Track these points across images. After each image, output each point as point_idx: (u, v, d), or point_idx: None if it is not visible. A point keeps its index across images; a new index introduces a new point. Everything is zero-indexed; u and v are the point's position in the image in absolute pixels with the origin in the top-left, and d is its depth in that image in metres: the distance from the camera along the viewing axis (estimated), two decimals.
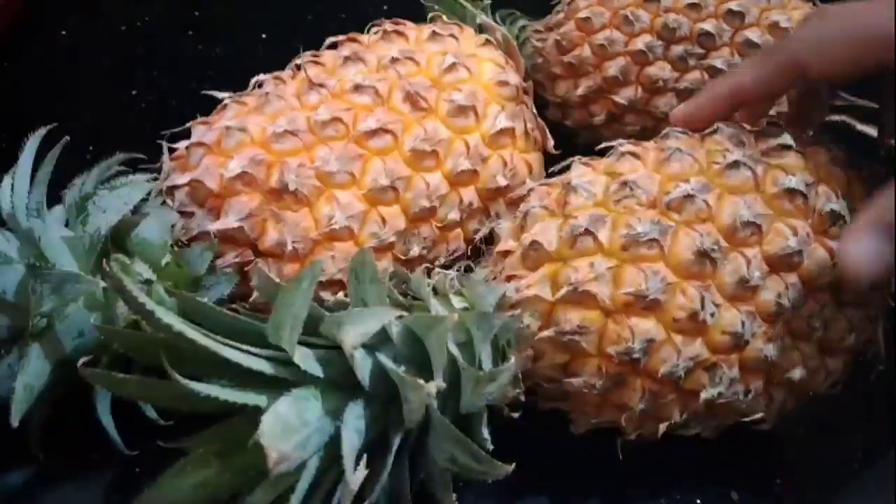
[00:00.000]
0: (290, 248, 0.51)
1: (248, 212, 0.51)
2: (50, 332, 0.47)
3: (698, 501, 0.56)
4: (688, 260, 0.47)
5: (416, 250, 0.55)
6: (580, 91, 0.70)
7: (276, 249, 0.51)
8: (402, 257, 0.55)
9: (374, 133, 0.54)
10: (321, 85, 0.56)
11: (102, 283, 0.48)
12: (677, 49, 0.66)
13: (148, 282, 0.49)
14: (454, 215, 0.57)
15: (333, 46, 0.62)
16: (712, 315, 0.46)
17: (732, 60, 0.65)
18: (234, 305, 0.50)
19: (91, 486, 0.53)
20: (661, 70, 0.67)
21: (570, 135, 0.73)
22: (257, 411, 0.38)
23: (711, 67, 0.65)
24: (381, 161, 0.54)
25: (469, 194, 0.57)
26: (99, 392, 0.48)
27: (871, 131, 0.64)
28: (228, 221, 0.51)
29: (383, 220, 0.53)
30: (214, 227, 0.51)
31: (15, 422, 0.45)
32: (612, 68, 0.68)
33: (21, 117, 0.77)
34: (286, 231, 0.51)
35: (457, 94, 0.57)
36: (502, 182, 0.58)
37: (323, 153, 0.52)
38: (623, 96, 0.68)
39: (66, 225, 0.51)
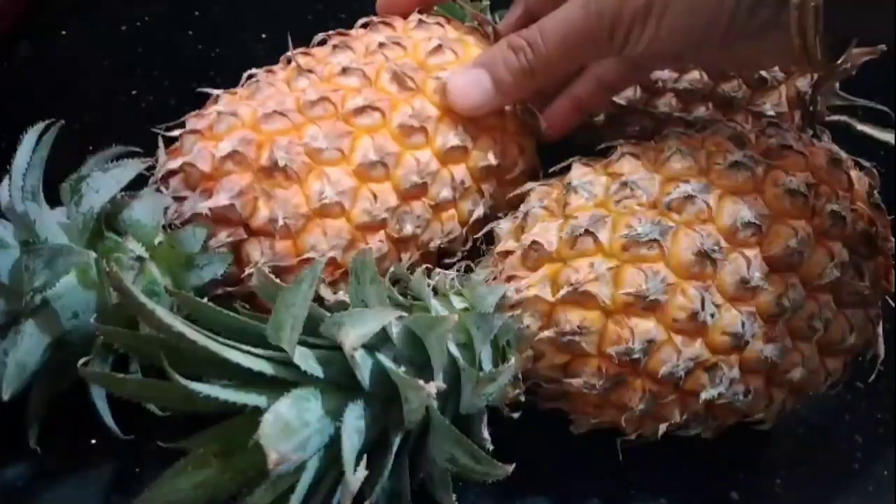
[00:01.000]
0: (280, 223, 0.51)
1: (238, 189, 0.51)
2: (44, 310, 0.46)
3: (698, 501, 0.56)
4: (688, 260, 0.47)
5: (409, 229, 0.55)
6: None
7: (267, 227, 0.51)
8: (396, 236, 0.55)
9: (361, 110, 0.54)
10: (310, 71, 0.56)
11: (94, 255, 0.48)
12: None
13: (140, 259, 0.49)
14: (446, 193, 0.56)
15: (323, 43, 0.62)
16: (712, 315, 0.46)
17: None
18: (234, 305, 0.50)
19: (91, 486, 0.53)
20: (660, 70, 0.67)
21: (568, 134, 0.73)
22: (257, 412, 0.38)
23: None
24: (370, 138, 0.54)
25: (460, 172, 0.57)
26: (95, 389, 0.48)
27: (871, 131, 0.64)
28: (220, 199, 0.51)
29: (374, 197, 0.53)
30: (206, 205, 0.51)
31: (6, 395, 0.45)
32: None
33: (21, 117, 0.77)
34: (277, 208, 0.51)
35: (444, 73, 0.57)
36: (493, 161, 0.58)
37: (312, 131, 0.53)
38: (622, 96, 0.68)
39: (69, 220, 0.51)
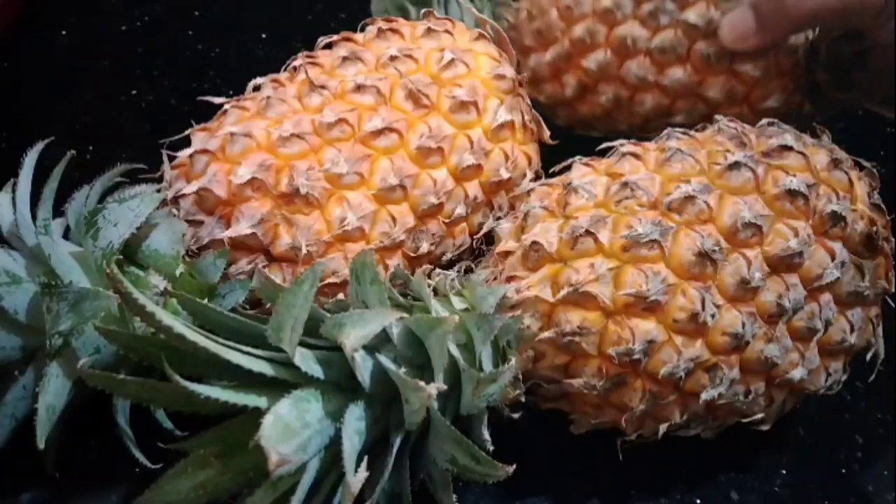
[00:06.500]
0: (304, 251, 0.51)
1: (259, 217, 0.51)
2: (67, 350, 0.46)
3: (698, 501, 0.56)
4: (689, 261, 0.47)
5: (425, 247, 0.56)
6: (548, 58, 0.66)
7: (289, 254, 0.51)
8: (412, 255, 0.55)
9: (380, 132, 0.54)
10: (322, 86, 0.56)
11: (118, 297, 0.47)
12: (647, 6, 0.62)
13: (165, 293, 0.49)
14: (461, 210, 0.57)
15: (328, 46, 0.62)
16: (713, 316, 0.46)
17: (710, 14, 0.61)
18: (235, 306, 0.50)
19: (91, 486, 0.53)
20: (630, 28, 0.63)
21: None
22: (258, 413, 0.38)
23: (685, 23, 0.62)
24: (389, 160, 0.54)
25: (473, 188, 0.58)
26: (118, 403, 0.48)
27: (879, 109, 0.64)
28: (241, 228, 0.51)
29: (393, 219, 0.54)
30: (227, 234, 0.51)
31: (41, 443, 0.44)
32: (579, 30, 0.64)
33: (21, 117, 0.77)
34: (299, 235, 0.51)
35: (458, 90, 0.57)
36: (505, 175, 0.58)
37: (331, 155, 0.53)
38: (591, 60, 0.65)
39: (66, 236, 0.51)
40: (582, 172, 0.54)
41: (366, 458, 0.41)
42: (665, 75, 0.64)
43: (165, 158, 0.55)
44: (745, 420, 0.50)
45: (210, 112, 0.58)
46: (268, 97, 0.56)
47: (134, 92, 0.80)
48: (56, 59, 0.84)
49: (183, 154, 0.55)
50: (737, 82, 0.63)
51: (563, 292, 0.48)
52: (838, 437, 0.60)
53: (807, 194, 0.49)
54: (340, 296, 0.52)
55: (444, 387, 0.43)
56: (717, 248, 0.47)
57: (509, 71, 0.61)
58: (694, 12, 0.61)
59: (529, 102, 0.63)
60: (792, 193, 0.49)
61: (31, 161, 0.50)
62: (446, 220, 0.57)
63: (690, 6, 0.62)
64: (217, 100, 0.57)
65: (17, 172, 0.50)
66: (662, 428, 0.49)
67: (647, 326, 0.47)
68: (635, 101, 0.65)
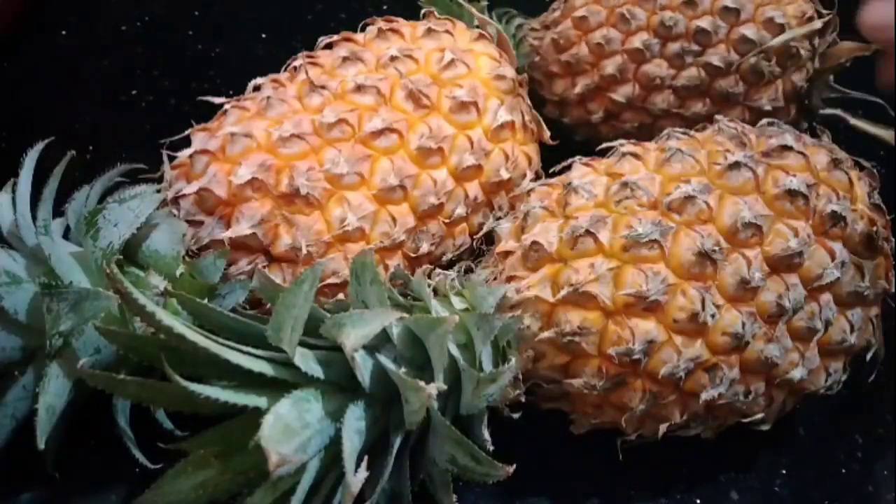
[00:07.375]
0: (304, 251, 0.51)
1: (260, 217, 0.51)
2: (67, 350, 0.46)
3: (698, 501, 0.56)
4: (689, 261, 0.47)
5: (425, 247, 0.56)
6: (578, 89, 0.70)
7: (289, 254, 0.51)
8: (413, 255, 0.55)
9: (380, 133, 0.54)
10: (322, 87, 0.56)
11: (118, 298, 0.47)
12: (674, 46, 0.66)
13: (165, 293, 0.49)
14: (461, 210, 0.57)
15: (328, 46, 0.62)
16: (713, 316, 0.46)
17: (729, 57, 0.65)
18: (235, 306, 0.50)
19: (91, 486, 0.53)
20: (657, 67, 0.67)
21: (567, 131, 0.74)
22: (258, 413, 0.38)
23: (708, 64, 0.66)
24: (389, 160, 0.54)
25: (474, 189, 0.58)
26: (118, 403, 0.48)
27: (865, 126, 0.64)
28: (241, 229, 0.51)
29: (393, 219, 0.54)
30: (227, 234, 0.51)
31: (41, 443, 0.44)
32: (610, 66, 0.68)
33: (21, 117, 0.77)
34: (299, 235, 0.51)
35: (458, 90, 0.57)
36: (505, 175, 0.58)
37: (331, 155, 0.53)
38: (621, 94, 0.69)
39: (66, 236, 0.51)
40: (582, 172, 0.54)
41: (366, 458, 0.41)
42: (686, 108, 0.68)
43: (165, 158, 0.55)
44: (745, 420, 0.50)
45: (210, 112, 0.58)
46: (268, 97, 0.56)
47: (134, 92, 0.80)
48: (56, 59, 0.84)
49: (183, 154, 0.55)
50: (749, 114, 0.67)
51: (563, 292, 0.48)
52: (838, 437, 0.60)
53: (807, 194, 0.49)
54: (340, 296, 0.52)
55: (444, 387, 0.43)
56: (717, 248, 0.47)
57: (509, 71, 0.61)
58: (716, 55, 0.66)
59: (529, 103, 0.63)
60: (792, 193, 0.49)
61: (31, 161, 0.50)
62: (446, 221, 0.57)
63: (712, 48, 0.66)
64: (217, 100, 0.57)
65: (17, 172, 0.50)
66: (662, 428, 0.49)
67: (647, 326, 0.47)
68: (655, 127, 0.69)
